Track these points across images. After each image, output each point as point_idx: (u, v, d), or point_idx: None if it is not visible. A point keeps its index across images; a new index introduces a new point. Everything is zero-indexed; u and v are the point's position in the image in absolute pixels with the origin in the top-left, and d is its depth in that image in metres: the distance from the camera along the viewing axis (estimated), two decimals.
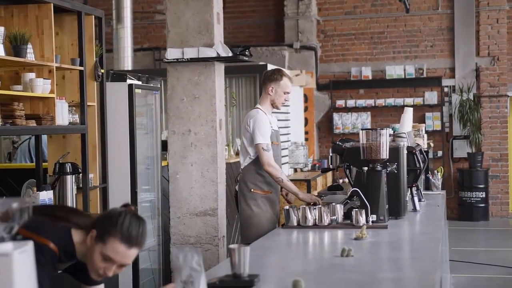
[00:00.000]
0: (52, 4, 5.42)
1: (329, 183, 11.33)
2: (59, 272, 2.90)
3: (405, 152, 4.87)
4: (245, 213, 5.46)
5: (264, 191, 5.46)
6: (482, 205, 12.71)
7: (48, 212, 2.89)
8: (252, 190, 5.45)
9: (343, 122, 13.32)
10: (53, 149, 5.97)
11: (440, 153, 12.99)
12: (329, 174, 11.41)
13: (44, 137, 6.29)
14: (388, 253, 3.80)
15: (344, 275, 3.16)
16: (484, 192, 12.68)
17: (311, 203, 5.14)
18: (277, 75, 5.52)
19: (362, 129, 4.62)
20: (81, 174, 5.82)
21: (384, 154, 4.54)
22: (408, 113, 6.00)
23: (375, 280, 3.06)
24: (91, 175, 6.03)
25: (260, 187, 5.45)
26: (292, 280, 2.74)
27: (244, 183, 5.49)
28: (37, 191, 5.43)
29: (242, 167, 5.53)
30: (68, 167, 5.63)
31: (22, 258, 1.75)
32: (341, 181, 10.03)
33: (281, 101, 5.53)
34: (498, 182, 13.05)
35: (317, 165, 11.01)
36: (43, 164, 5.95)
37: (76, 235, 2.78)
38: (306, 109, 12.75)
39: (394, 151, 4.70)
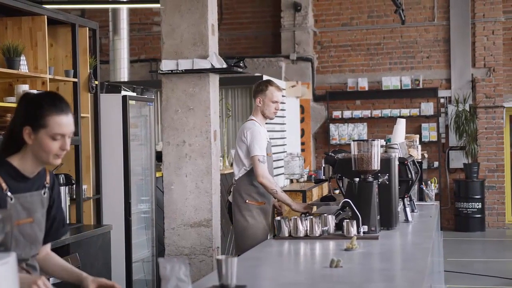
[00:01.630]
0: (46, 16, 5.45)
1: (325, 194, 11.35)
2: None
3: (397, 163, 4.89)
4: (240, 224, 5.49)
5: (258, 202, 5.51)
6: (478, 215, 12.71)
7: None
8: (247, 201, 5.51)
9: (340, 133, 13.34)
10: None
11: (436, 163, 13.00)
12: (326, 185, 11.43)
13: None
14: (377, 264, 3.80)
15: (332, 286, 3.16)
16: (480, 203, 12.69)
17: (305, 212, 5.19)
18: (262, 86, 5.66)
19: (353, 140, 4.64)
20: (74, 185, 5.82)
21: (376, 165, 4.56)
22: (401, 124, 6.02)
23: None
24: (84, 186, 6.04)
25: (254, 198, 5.49)
26: None
27: (239, 194, 5.54)
28: None
29: (236, 178, 5.59)
30: (62, 178, 5.64)
31: (4, 269, 1.76)
32: (337, 192, 10.04)
33: (271, 110, 5.62)
34: (494, 192, 13.06)
35: (313, 176, 11.02)
36: None
37: (12, 159, 2.83)
38: (302, 120, 12.78)
39: (386, 162, 4.71)
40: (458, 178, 13.06)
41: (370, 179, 4.57)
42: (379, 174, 4.65)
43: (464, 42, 13.07)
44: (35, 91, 2.93)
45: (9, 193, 2.77)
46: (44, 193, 2.93)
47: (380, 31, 13.45)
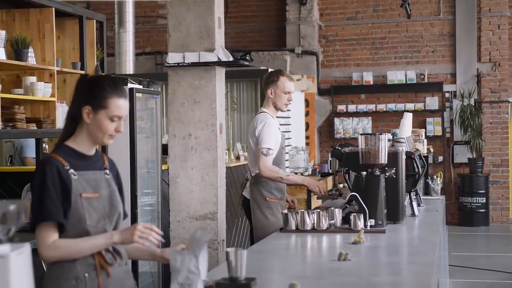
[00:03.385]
0: (53, 9, 5.46)
1: (330, 187, 11.34)
2: None
3: (404, 157, 4.89)
4: (260, 222, 5.35)
5: (277, 198, 5.40)
6: (483, 210, 12.71)
7: None
8: (267, 198, 5.36)
9: (344, 127, 13.34)
10: None
11: (440, 158, 13.00)
12: (330, 179, 11.42)
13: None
14: (385, 258, 3.81)
15: (340, 279, 3.17)
16: (484, 198, 12.69)
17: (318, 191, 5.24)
18: (273, 76, 5.50)
19: (361, 134, 4.63)
20: None
21: (383, 159, 4.55)
22: (408, 118, 6.02)
23: (371, 284, 3.08)
24: None
25: (274, 194, 5.38)
26: (289, 283, 2.76)
27: (258, 191, 5.40)
28: None
29: (253, 174, 5.43)
30: None
31: (19, 260, 1.77)
32: (341, 186, 10.02)
33: (284, 102, 5.47)
34: (499, 187, 13.06)
35: (317, 169, 11.01)
36: None
37: (67, 142, 2.97)
38: (307, 113, 12.78)
39: (393, 156, 4.71)
40: (463, 172, 13.05)
41: (377, 173, 4.56)
42: (386, 168, 4.65)
43: (469, 36, 13.05)
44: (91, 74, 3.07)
45: (71, 170, 2.90)
46: (106, 174, 3.05)
47: (386, 25, 13.43)
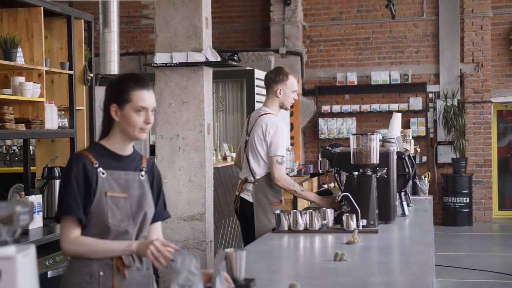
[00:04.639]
0: (42, 8, 5.41)
1: (315, 187, 11.38)
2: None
3: (395, 157, 4.90)
4: (264, 226, 5.10)
5: (279, 202, 5.26)
6: (466, 210, 12.79)
7: None
8: (273, 203, 5.20)
9: (329, 127, 13.36)
10: (41, 153, 5.95)
11: (424, 158, 13.06)
12: (315, 179, 11.46)
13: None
14: (380, 258, 3.81)
15: (337, 279, 3.17)
16: (468, 198, 12.77)
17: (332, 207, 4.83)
18: (282, 75, 5.23)
19: (353, 134, 4.64)
20: None
21: (375, 159, 4.56)
22: (397, 119, 6.02)
23: (368, 284, 3.08)
24: None
25: (278, 198, 5.25)
26: (288, 284, 2.75)
27: (264, 195, 5.19)
28: (25, 195, 5.39)
29: (257, 176, 5.17)
30: (57, 172, 5.60)
31: (25, 261, 1.75)
32: (325, 186, 10.05)
33: (290, 101, 5.26)
34: (482, 187, 13.15)
35: (302, 170, 11.05)
36: (31, 168, 5.93)
37: (102, 141, 3.05)
38: (291, 114, 12.79)
39: (384, 156, 4.72)
40: (446, 172, 13.13)
41: (369, 173, 4.57)
42: (377, 168, 4.65)
43: (452, 37, 13.12)
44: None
45: (100, 168, 2.96)
46: (141, 176, 3.08)
47: (370, 25, 13.48)
